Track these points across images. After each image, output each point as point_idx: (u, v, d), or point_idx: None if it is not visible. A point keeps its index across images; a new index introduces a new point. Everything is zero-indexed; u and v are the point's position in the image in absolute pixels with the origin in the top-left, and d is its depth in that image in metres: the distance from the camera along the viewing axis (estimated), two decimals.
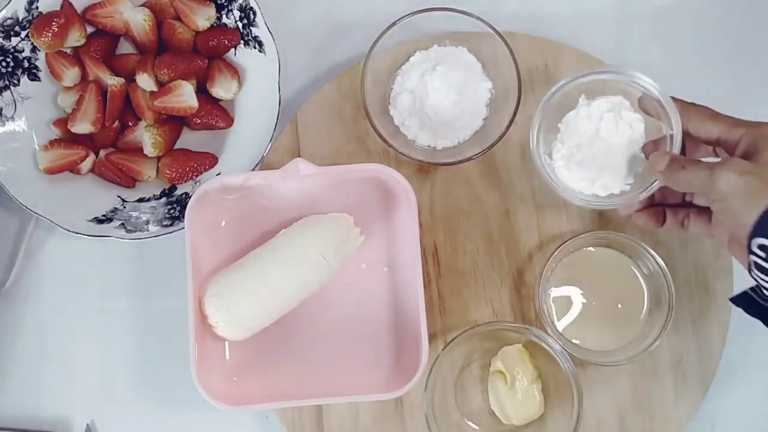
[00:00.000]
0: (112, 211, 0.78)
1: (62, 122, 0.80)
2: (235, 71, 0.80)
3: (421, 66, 0.78)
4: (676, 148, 0.65)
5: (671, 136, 0.66)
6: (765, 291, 0.59)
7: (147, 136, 0.79)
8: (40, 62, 0.80)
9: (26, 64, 0.79)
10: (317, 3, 0.86)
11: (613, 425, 0.76)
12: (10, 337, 0.81)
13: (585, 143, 0.70)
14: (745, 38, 0.85)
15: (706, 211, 0.67)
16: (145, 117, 0.80)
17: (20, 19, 0.78)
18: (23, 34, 0.78)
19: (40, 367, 0.80)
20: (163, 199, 0.79)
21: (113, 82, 0.79)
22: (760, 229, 0.56)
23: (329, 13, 0.85)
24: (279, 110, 0.77)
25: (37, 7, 0.78)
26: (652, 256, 0.74)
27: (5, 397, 0.80)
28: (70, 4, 0.79)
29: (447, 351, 0.72)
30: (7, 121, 0.78)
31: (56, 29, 0.77)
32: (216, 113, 0.80)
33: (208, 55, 0.80)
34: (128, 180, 0.80)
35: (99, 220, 0.77)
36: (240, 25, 0.79)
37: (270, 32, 0.78)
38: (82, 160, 0.79)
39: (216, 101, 0.81)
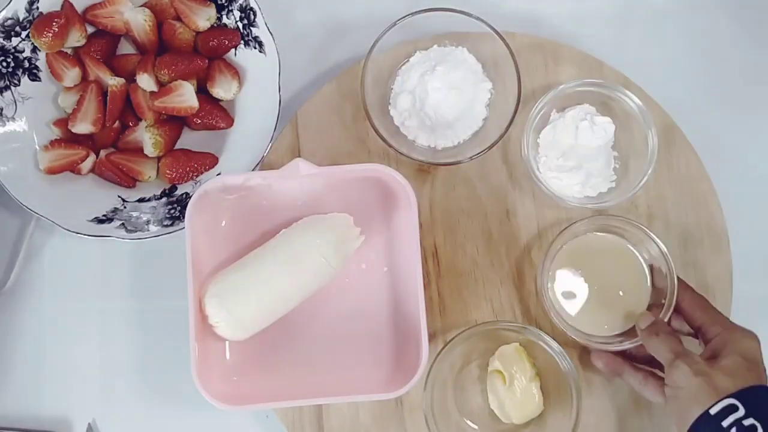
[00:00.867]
0: (113, 211, 0.78)
1: (63, 122, 0.80)
2: (235, 71, 0.80)
3: (421, 66, 0.78)
4: (665, 317, 0.71)
5: (663, 305, 0.72)
6: None
7: (147, 136, 0.79)
8: (41, 62, 0.80)
9: (27, 65, 0.79)
10: (317, 3, 0.86)
11: (613, 424, 0.76)
12: (10, 337, 0.81)
13: (567, 152, 0.76)
14: (744, 39, 0.85)
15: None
16: (146, 117, 0.80)
17: (21, 20, 0.78)
18: (24, 34, 0.78)
19: (40, 367, 0.80)
20: (164, 199, 0.79)
21: (114, 82, 0.79)
22: (696, 429, 0.62)
23: (329, 13, 0.85)
24: (279, 110, 0.77)
25: (37, 8, 0.78)
26: (653, 240, 0.73)
27: (5, 397, 0.80)
28: (71, 4, 0.79)
29: (446, 351, 0.72)
30: (8, 121, 0.78)
31: (57, 29, 0.77)
32: (216, 113, 0.80)
33: (208, 56, 0.80)
34: (129, 180, 0.80)
35: (99, 220, 0.77)
36: (240, 25, 0.79)
37: (270, 32, 0.78)
38: (83, 160, 0.79)
39: (216, 101, 0.81)
